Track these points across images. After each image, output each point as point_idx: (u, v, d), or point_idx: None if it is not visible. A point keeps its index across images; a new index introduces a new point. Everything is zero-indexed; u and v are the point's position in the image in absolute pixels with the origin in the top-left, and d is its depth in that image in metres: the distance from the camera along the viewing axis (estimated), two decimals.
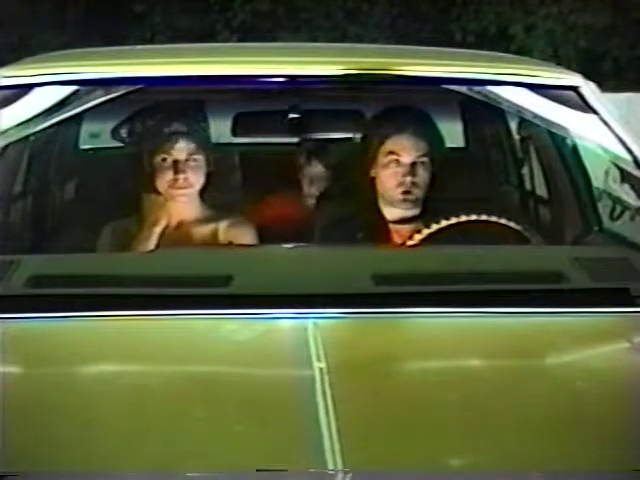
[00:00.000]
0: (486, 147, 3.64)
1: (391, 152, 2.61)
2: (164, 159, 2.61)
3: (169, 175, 2.60)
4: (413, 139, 2.61)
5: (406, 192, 2.60)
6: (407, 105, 2.77)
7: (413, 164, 2.60)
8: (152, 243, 2.56)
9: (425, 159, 2.61)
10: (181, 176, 2.60)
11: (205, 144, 2.67)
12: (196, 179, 2.63)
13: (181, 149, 2.61)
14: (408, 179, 2.60)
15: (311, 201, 3.27)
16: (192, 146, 2.62)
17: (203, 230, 2.66)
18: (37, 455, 1.40)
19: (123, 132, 2.91)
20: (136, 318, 1.81)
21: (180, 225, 2.66)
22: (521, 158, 3.46)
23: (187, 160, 2.61)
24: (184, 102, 2.77)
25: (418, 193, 2.62)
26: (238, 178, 3.28)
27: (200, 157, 2.63)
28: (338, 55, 2.65)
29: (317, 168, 3.29)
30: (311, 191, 3.28)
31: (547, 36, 12.45)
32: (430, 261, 2.09)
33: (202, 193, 2.67)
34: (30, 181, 3.11)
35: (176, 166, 2.60)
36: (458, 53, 3.12)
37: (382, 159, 2.62)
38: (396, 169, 2.60)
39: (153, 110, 2.75)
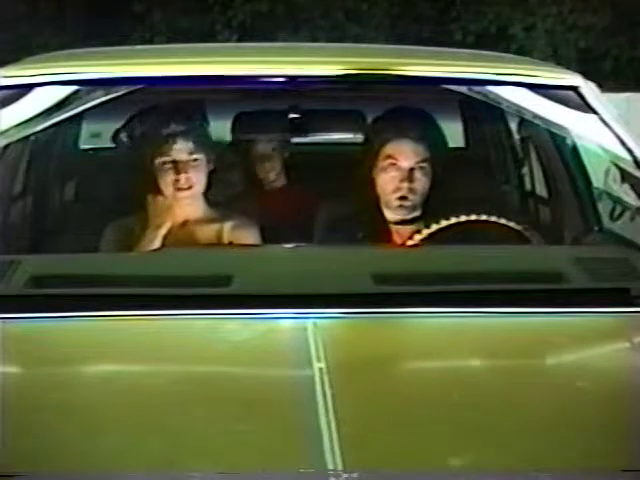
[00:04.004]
0: (486, 147, 3.64)
1: (389, 156, 2.59)
2: (164, 161, 2.61)
3: (171, 176, 2.60)
4: (412, 144, 2.59)
5: (402, 198, 2.58)
6: (409, 107, 2.76)
7: (411, 169, 2.58)
8: (156, 245, 2.56)
9: (424, 164, 2.59)
10: (183, 176, 2.59)
11: (205, 143, 2.67)
12: (198, 178, 2.63)
13: (180, 149, 2.60)
14: (405, 185, 2.58)
15: (270, 178, 3.33)
16: (191, 145, 2.61)
17: (207, 231, 2.66)
18: (37, 455, 1.40)
19: (123, 137, 2.89)
20: (136, 318, 1.81)
21: (184, 226, 2.66)
22: (521, 158, 3.46)
23: (188, 160, 2.61)
24: (182, 102, 2.76)
25: (415, 199, 2.60)
26: (239, 175, 3.30)
27: (201, 156, 2.63)
28: (338, 55, 2.64)
29: (262, 146, 3.35)
30: (265, 168, 3.36)
31: (547, 36, 12.44)
32: (430, 261, 2.09)
33: (205, 193, 2.68)
34: (30, 181, 3.11)
35: (177, 166, 2.60)
36: (458, 53, 3.12)
37: (381, 162, 2.61)
38: (394, 174, 2.59)
39: (151, 112, 2.73)
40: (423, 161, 2.59)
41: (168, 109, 2.69)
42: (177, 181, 2.60)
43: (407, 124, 2.64)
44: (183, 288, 1.88)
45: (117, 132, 2.90)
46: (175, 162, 2.60)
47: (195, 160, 2.61)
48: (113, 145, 3.03)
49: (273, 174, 3.39)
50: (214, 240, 2.62)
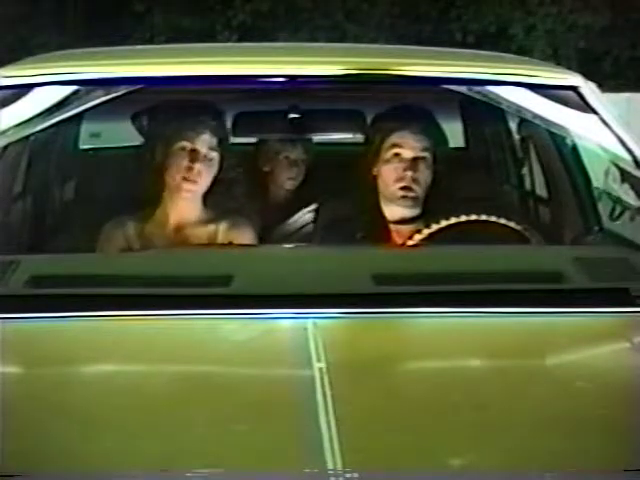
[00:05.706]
0: (486, 147, 3.65)
1: (394, 145, 2.62)
2: (184, 147, 2.58)
3: (185, 162, 2.56)
4: (416, 134, 2.63)
5: (406, 188, 2.61)
6: (410, 103, 2.78)
7: (415, 159, 2.61)
8: (154, 244, 2.55)
9: (427, 154, 2.63)
10: (197, 165, 2.56)
11: (224, 146, 2.65)
12: (206, 175, 2.60)
13: (204, 140, 2.58)
14: (409, 174, 2.61)
15: (290, 184, 3.31)
16: (214, 141, 2.60)
17: (203, 231, 2.65)
18: (37, 455, 1.40)
19: (144, 119, 2.86)
20: (136, 318, 1.81)
21: (180, 226, 2.65)
22: (521, 158, 3.46)
23: (205, 154, 2.58)
24: (211, 102, 2.74)
25: (418, 190, 2.62)
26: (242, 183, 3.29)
27: (216, 155, 2.61)
28: (338, 55, 2.65)
29: (298, 150, 3.33)
30: (290, 174, 3.33)
31: (547, 36, 12.46)
32: (430, 261, 2.09)
33: (205, 197, 2.66)
34: (30, 181, 3.11)
35: (194, 155, 2.57)
36: (458, 53, 3.13)
37: (384, 154, 2.64)
38: (397, 164, 2.62)
39: (180, 102, 2.70)
40: (426, 150, 2.62)
41: (198, 104, 2.68)
42: (189, 169, 2.56)
43: (410, 118, 2.68)
44: (182, 288, 1.88)
45: (138, 114, 2.87)
46: (194, 150, 2.57)
47: (211, 157, 2.60)
48: (112, 145, 3.01)
49: (299, 179, 3.37)
50: (210, 240, 2.61)
